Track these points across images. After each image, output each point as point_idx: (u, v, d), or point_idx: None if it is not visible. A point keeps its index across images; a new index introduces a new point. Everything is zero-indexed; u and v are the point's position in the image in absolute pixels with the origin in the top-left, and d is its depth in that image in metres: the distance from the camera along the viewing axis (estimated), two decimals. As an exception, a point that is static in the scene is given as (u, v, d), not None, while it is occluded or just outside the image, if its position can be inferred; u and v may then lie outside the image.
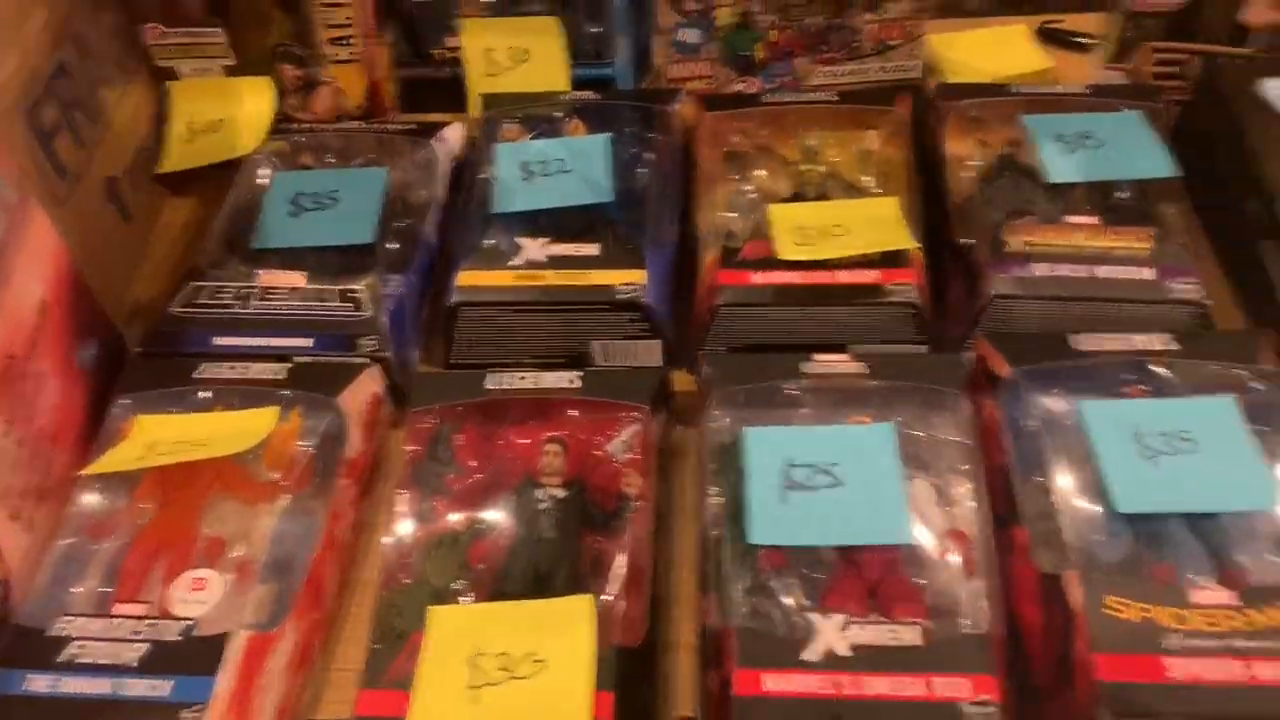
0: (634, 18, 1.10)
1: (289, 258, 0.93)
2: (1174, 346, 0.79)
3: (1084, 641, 0.65)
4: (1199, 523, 0.70)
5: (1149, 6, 0.99)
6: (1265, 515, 0.70)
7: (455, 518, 0.77)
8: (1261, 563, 0.68)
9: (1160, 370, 0.79)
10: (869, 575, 0.72)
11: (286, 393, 0.83)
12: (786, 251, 0.88)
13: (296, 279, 0.91)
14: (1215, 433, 0.74)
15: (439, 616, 0.70)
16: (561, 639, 0.68)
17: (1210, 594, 0.66)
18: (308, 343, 0.87)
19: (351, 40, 1.08)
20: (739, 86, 1.09)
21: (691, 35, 1.07)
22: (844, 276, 0.87)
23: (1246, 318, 0.90)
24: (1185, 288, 0.84)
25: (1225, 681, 0.63)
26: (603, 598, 0.72)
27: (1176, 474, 0.72)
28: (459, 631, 0.69)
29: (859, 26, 1.06)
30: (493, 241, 0.92)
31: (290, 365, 0.85)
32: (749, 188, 0.97)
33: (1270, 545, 0.69)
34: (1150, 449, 0.73)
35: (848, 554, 0.72)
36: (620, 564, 0.75)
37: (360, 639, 0.73)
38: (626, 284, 0.87)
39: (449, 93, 1.11)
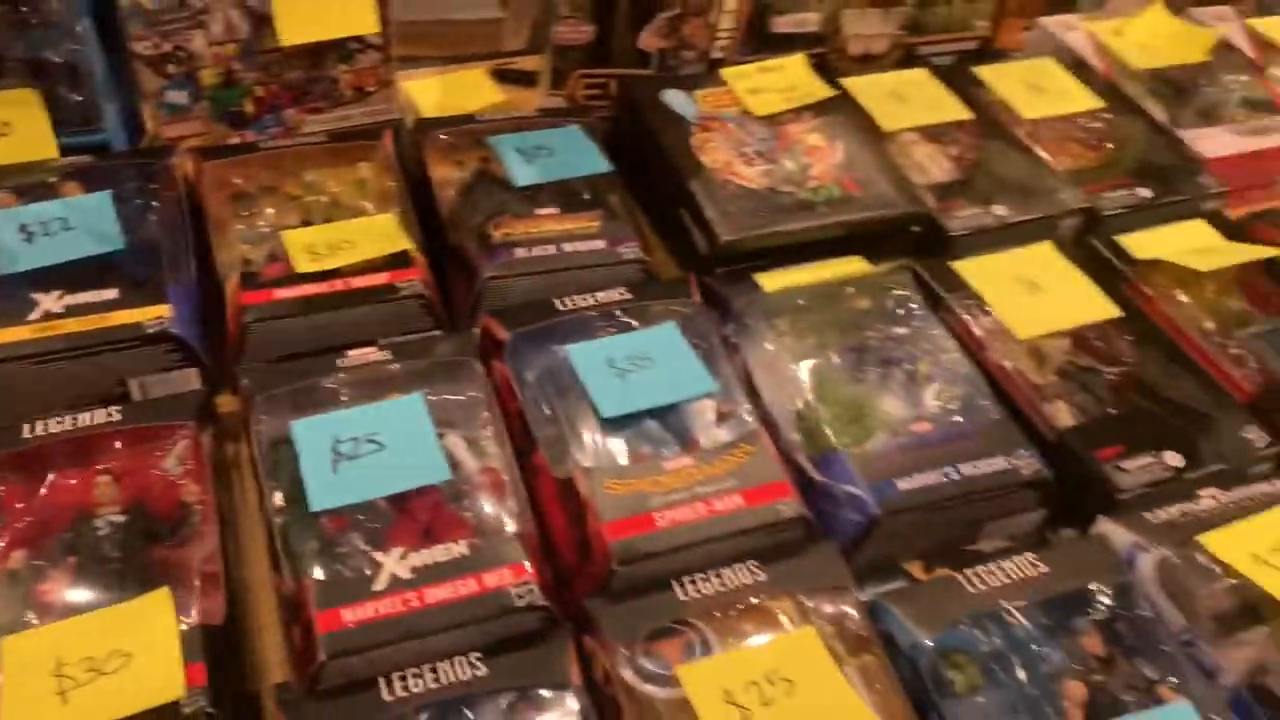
0: (118, 84, 1.14)
1: None
2: (629, 295, 1.01)
3: (594, 519, 0.82)
4: (664, 413, 0.91)
5: (567, 41, 1.22)
6: (707, 400, 0.92)
7: (11, 563, 0.78)
8: (708, 432, 0.90)
9: (622, 314, 0.99)
10: (421, 517, 0.83)
11: None
12: (302, 266, 0.98)
13: None
14: (665, 349, 0.95)
15: (11, 644, 0.71)
16: (143, 632, 0.73)
17: (677, 462, 0.86)
18: None
19: None
20: (234, 140, 1.17)
21: (179, 96, 1.13)
22: (358, 281, 0.98)
23: (678, 267, 1.15)
24: (629, 251, 1.05)
25: (695, 519, 0.83)
26: (181, 597, 0.77)
27: (644, 383, 0.92)
28: (36, 652, 0.71)
29: (336, 77, 1.18)
30: (3, 304, 0.92)
31: None
32: (260, 223, 1.05)
33: (711, 419, 0.91)
34: (621, 370, 0.93)
35: (399, 503, 0.83)
36: (193, 566, 0.80)
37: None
38: (153, 319, 0.92)
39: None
